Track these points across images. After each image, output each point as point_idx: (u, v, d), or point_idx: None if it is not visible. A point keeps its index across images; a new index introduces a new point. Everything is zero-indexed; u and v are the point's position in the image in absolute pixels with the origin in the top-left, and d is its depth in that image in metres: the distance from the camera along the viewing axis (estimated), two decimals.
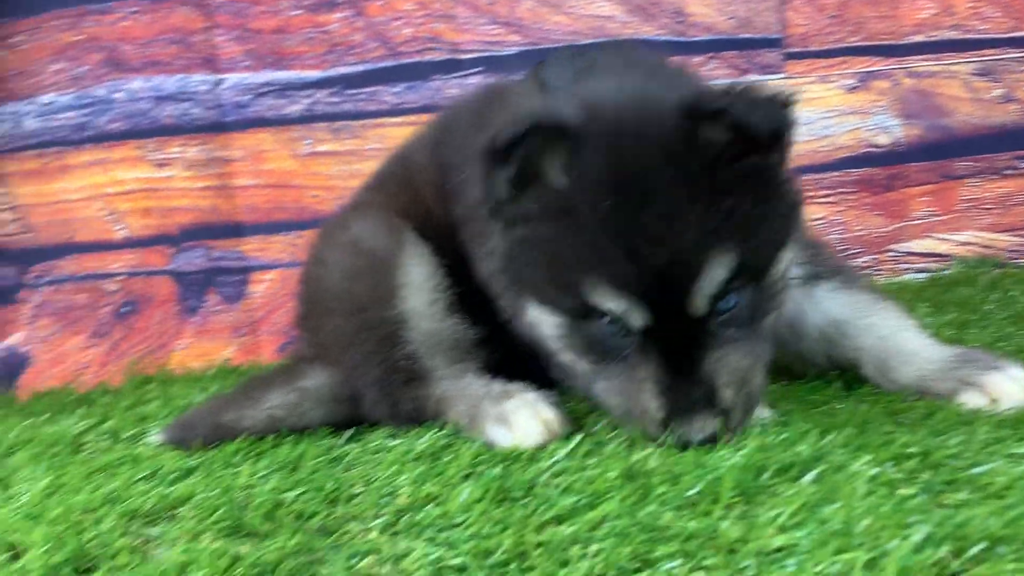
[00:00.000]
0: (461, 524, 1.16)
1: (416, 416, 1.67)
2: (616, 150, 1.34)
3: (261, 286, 2.59)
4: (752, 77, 2.69)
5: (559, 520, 1.13)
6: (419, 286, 1.70)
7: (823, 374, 1.66)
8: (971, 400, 1.42)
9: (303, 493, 1.35)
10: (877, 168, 2.79)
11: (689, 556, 0.98)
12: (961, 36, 2.78)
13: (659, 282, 1.30)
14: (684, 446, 1.32)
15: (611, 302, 1.33)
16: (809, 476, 1.15)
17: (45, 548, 1.22)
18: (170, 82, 2.50)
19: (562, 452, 1.37)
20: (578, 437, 1.42)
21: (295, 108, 2.54)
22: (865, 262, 2.80)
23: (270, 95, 2.53)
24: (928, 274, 2.80)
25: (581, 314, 1.39)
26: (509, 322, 1.60)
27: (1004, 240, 2.84)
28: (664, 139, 1.32)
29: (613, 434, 1.43)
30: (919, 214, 2.82)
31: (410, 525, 1.19)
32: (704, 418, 1.31)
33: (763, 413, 1.44)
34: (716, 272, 1.30)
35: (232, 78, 2.52)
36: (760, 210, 1.34)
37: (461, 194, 1.64)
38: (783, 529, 1.01)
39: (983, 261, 2.78)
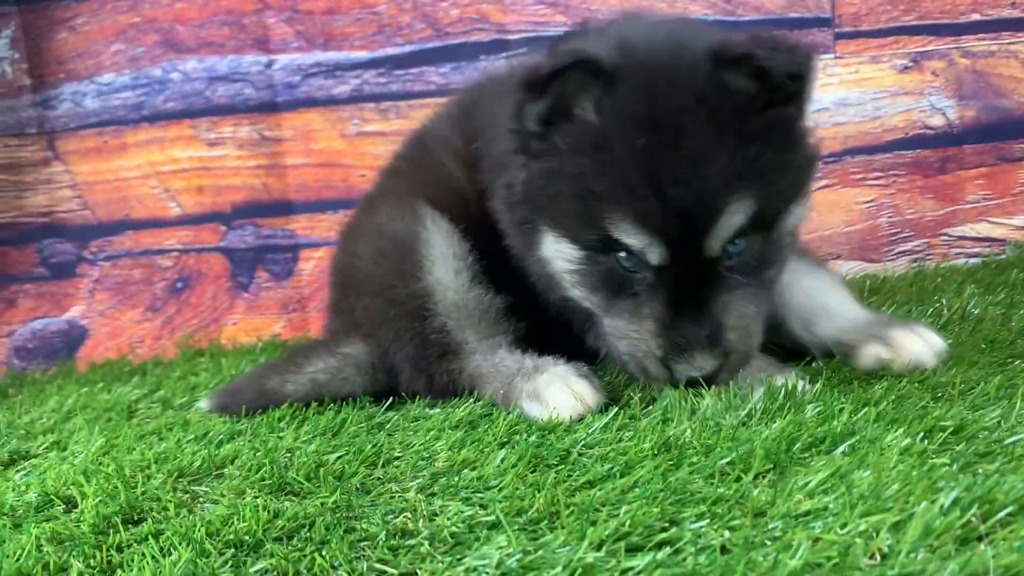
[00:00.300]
0: (495, 487, 1.19)
1: (452, 390, 1.70)
2: (650, 91, 1.36)
3: (310, 263, 2.64)
4: None
5: (591, 484, 1.16)
6: (442, 257, 1.74)
7: None
8: (874, 351, 1.48)
9: (343, 455, 1.39)
10: (930, 150, 2.74)
11: (717, 517, 1.00)
12: (1020, 15, 2.71)
13: (680, 222, 1.34)
14: (685, 383, 1.39)
15: (633, 237, 1.37)
16: (841, 448, 1.16)
17: (98, 500, 1.27)
18: (223, 63, 2.54)
19: (598, 424, 1.39)
20: (614, 410, 1.44)
21: (344, 88, 2.58)
22: (916, 246, 2.76)
23: (319, 76, 2.57)
24: (982, 259, 2.74)
25: (599, 248, 1.42)
26: (529, 279, 1.63)
27: None
28: (695, 83, 1.35)
29: (648, 408, 1.45)
30: (973, 197, 2.76)
31: (446, 487, 1.22)
32: (705, 356, 1.36)
33: (798, 382, 1.44)
34: (735, 217, 1.35)
35: (283, 59, 2.56)
36: (780, 161, 1.38)
37: (489, 144, 1.67)
38: (812, 495, 1.02)
39: None
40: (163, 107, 2.54)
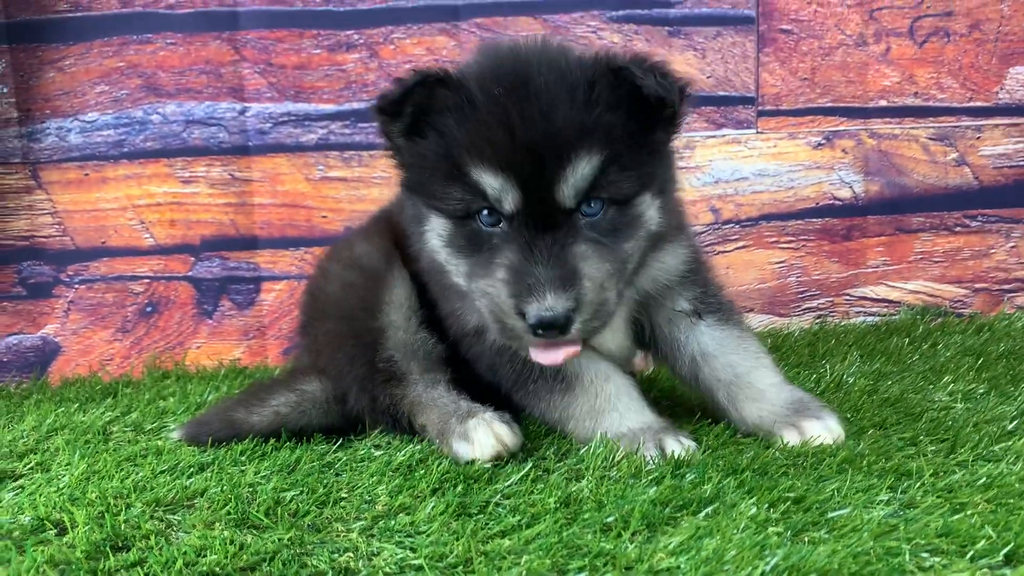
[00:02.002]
0: (424, 532, 1.44)
1: (392, 412, 1.95)
2: (511, 56, 1.59)
3: (271, 295, 2.86)
4: (727, 131, 2.96)
5: (503, 535, 1.41)
6: (400, 303, 1.99)
7: None
8: (788, 437, 1.75)
9: (299, 494, 1.63)
10: (837, 219, 3.05)
11: (595, 570, 1.26)
12: (921, 103, 3.04)
13: (531, 161, 1.49)
14: (536, 328, 1.49)
15: (489, 177, 1.52)
16: (705, 512, 1.43)
17: (87, 527, 1.50)
18: (200, 108, 2.76)
19: (515, 476, 1.65)
20: (530, 463, 1.70)
21: (311, 137, 2.81)
22: (821, 304, 3.07)
23: (289, 124, 2.80)
24: (879, 318, 3.07)
25: (463, 214, 1.59)
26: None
27: (950, 291, 3.11)
28: (558, 61, 1.56)
29: (560, 463, 1.72)
30: (874, 263, 3.09)
31: (384, 530, 1.47)
32: (556, 296, 1.48)
33: (687, 443, 1.73)
34: (582, 165, 1.51)
35: (256, 107, 2.78)
36: (631, 134, 1.55)
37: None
38: (672, 553, 1.29)
39: (927, 309, 3.06)
40: (142, 146, 2.75)
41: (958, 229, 3.10)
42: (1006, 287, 3.14)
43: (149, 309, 2.81)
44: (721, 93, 2.94)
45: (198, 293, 2.82)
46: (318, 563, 1.36)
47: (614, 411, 1.78)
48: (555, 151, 1.49)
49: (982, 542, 1.28)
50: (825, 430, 1.76)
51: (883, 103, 3.02)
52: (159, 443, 2.05)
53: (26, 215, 2.72)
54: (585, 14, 2.84)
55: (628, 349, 1.98)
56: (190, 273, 2.81)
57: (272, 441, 1.97)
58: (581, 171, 1.50)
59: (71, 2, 2.65)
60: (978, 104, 3.06)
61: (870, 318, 3.07)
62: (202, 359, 2.81)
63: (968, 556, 1.25)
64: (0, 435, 2.17)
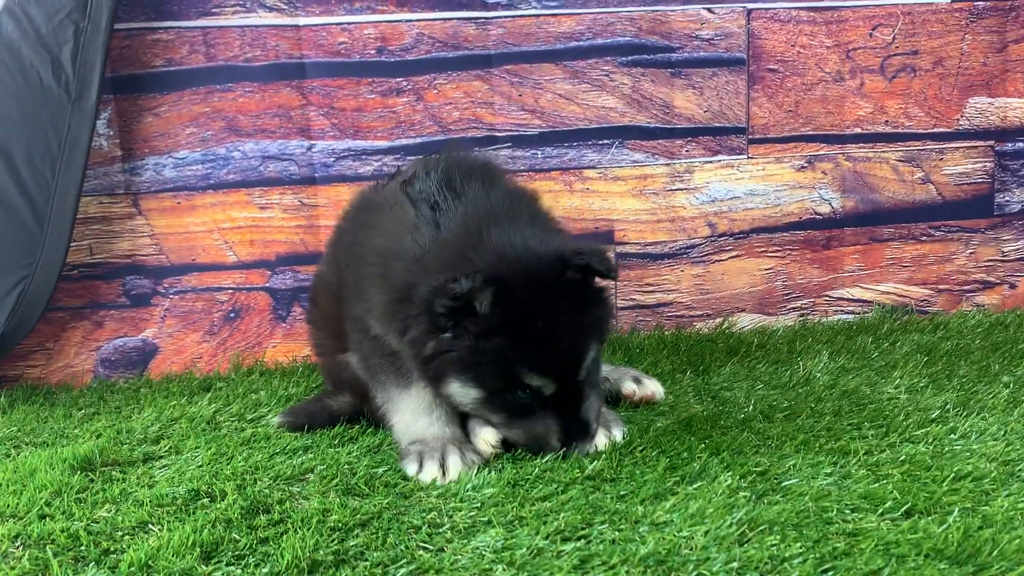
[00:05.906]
0: (487, 497, 1.94)
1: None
2: (525, 293, 2.00)
3: None
4: (722, 156, 3.44)
5: (544, 499, 1.92)
6: None
7: (736, 406, 2.45)
8: None
9: (387, 470, 2.13)
10: (818, 231, 3.54)
11: (613, 523, 1.76)
12: (891, 130, 3.51)
13: (563, 364, 2.05)
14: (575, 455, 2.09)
15: (536, 380, 2.03)
16: (695, 485, 1.92)
17: (235, 496, 2.00)
18: (274, 146, 3.23)
19: (549, 456, 2.15)
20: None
21: (367, 168, 3.28)
22: (804, 304, 3.57)
23: (349, 158, 3.27)
24: (855, 315, 3.56)
25: (501, 389, 2.05)
26: None
27: (916, 291, 3.60)
28: (550, 281, 2.05)
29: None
30: (850, 268, 3.58)
31: (455, 495, 1.95)
32: (583, 443, 2.12)
33: (470, 457, 2.14)
34: (590, 353, 2.10)
35: (321, 144, 3.25)
36: (604, 316, 2.17)
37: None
38: (667, 512, 1.79)
39: (895, 308, 3.56)
40: (225, 178, 3.24)
41: (924, 238, 3.58)
42: (965, 288, 3.63)
43: (232, 315, 3.32)
44: (717, 125, 3.42)
45: (274, 301, 3.32)
46: (412, 519, 1.85)
47: (428, 416, 2.24)
48: (576, 353, 2.08)
49: (889, 502, 1.77)
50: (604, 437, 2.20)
51: (858, 130, 3.49)
52: (262, 430, 2.55)
53: (129, 237, 3.21)
54: (599, 60, 3.31)
55: None
56: (267, 284, 3.31)
57: (356, 427, 2.48)
58: (590, 357, 2.12)
59: (165, 58, 3.13)
60: (941, 130, 3.53)
61: (847, 316, 3.56)
62: (278, 356, 3.32)
63: (878, 512, 1.74)
64: (131, 424, 2.66)
